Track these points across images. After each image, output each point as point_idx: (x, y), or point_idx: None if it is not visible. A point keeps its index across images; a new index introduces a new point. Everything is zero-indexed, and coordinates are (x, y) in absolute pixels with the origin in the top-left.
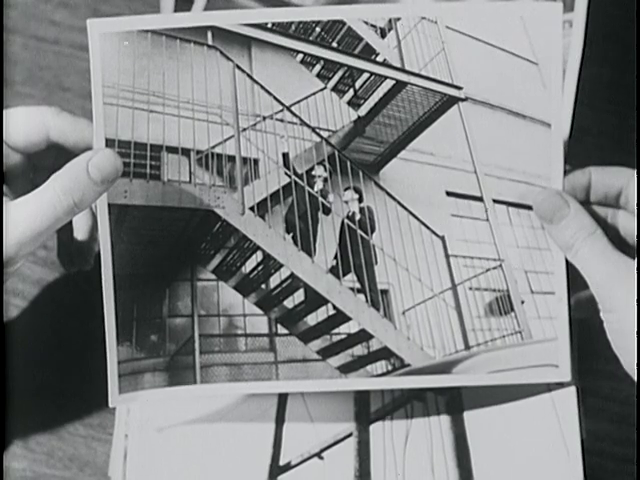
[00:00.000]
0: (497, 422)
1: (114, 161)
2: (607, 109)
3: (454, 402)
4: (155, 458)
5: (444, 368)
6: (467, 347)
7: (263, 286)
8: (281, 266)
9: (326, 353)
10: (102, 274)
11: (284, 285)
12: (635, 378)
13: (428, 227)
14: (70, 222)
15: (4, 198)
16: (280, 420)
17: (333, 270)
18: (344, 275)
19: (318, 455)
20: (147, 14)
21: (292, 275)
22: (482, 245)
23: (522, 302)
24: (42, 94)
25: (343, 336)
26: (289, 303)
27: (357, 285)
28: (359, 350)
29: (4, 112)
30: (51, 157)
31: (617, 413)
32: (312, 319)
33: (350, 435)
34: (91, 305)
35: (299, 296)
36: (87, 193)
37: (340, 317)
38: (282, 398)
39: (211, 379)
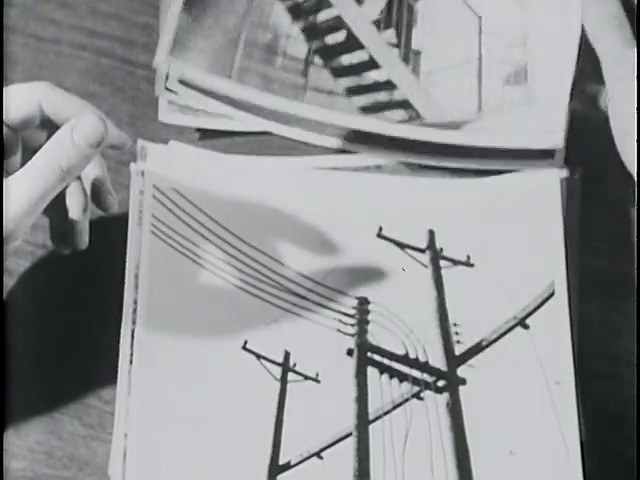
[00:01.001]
0: (496, 422)
1: (98, 125)
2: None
3: (453, 402)
4: (154, 457)
5: (456, 125)
6: (479, 109)
7: (311, 17)
8: (330, 5)
9: (352, 91)
10: None
11: (329, 22)
12: (635, 177)
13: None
14: (63, 203)
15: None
16: (279, 421)
17: (376, 22)
18: (385, 29)
19: (317, 455)
20: (146, 14)
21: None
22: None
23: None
24: None
25: (371, 82)
26: (330, 40)
27: (394, 40)
28: (382, 96)
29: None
30: (42, 137)
31: (617, 413)
32: (346, 60)
33: (349, 435)
34: (93, 300)
35: (341, 35)
36: (74, 159)
37: (372, 64)
38: (281, 398)
39: (245, 80)
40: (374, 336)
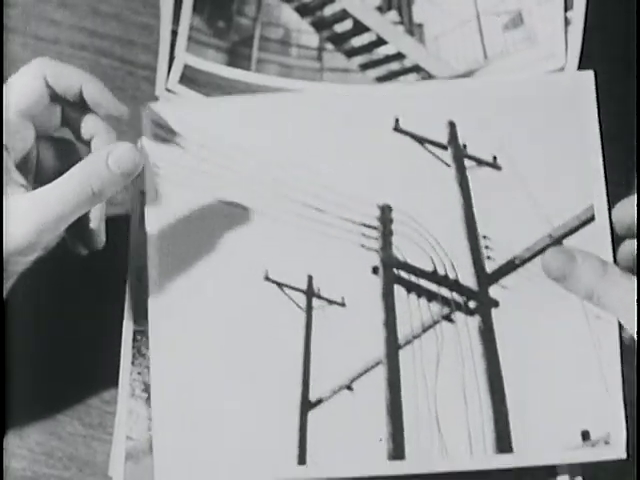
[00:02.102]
0: (530, 349)
1: (134, 156)
2: (607, 109)
3: (485, 325)
4: (180, 396)
5: (465, 74)
6: (485, 57)
7: (318, 12)
8: (333, 0)
9: (366, 66)
10: None
11: (336, 15)
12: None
13: None
14: None
15: (20, 188)
16: (307, 353)
17: (379, 8)
18: (387, 11)
19: (348, 387)
20: (146, 14)
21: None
22: None
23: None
24: None
25: (381, 56)
26: (339, 28)
27: (397, 19)
28: (394, 66)
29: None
30: (55, 117)
31: None
32: (357, 42)
33: (379, 363)
34: (93, 300)
35: (349, 24)
36: (107, 184)
37: (380, 41)
38: (308, 328)
39: (264, 70)
40: (400, 250)
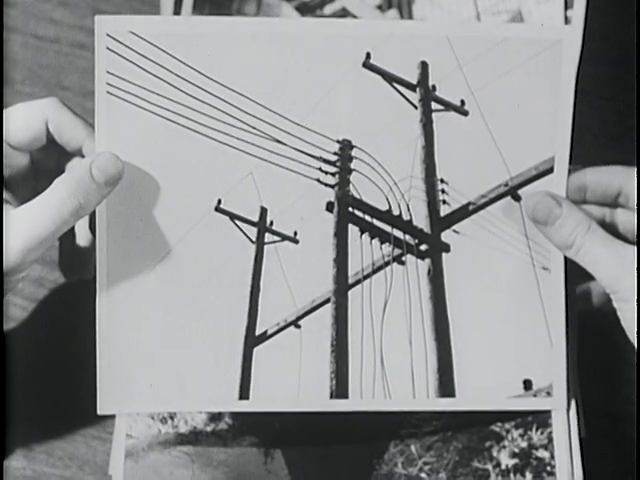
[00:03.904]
0: (478, 295)
1: (116, 163)
2: (607, 108)
3: (435, 270)
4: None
5: None
6: None
7: (318, 11)
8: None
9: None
10: None
11: (336, 14)
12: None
13: None
14: (72, 230)
15: (7, 206)
16: (256, 287)
17: (379, 7)
18: (387, 10)
19: (294, 323)
20: (146, 13)
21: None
22: None
23: None
24: (42, 93)
25: None
26: None
27: (398, 17)
28: None
29: (4, 111)
30: (52, 160)
31: (617, 413)
32: None
33: (328, 301)
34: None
35: None
36: (91, 195)
37: None
38: (258, 262)
39: None
40: (356, 189)
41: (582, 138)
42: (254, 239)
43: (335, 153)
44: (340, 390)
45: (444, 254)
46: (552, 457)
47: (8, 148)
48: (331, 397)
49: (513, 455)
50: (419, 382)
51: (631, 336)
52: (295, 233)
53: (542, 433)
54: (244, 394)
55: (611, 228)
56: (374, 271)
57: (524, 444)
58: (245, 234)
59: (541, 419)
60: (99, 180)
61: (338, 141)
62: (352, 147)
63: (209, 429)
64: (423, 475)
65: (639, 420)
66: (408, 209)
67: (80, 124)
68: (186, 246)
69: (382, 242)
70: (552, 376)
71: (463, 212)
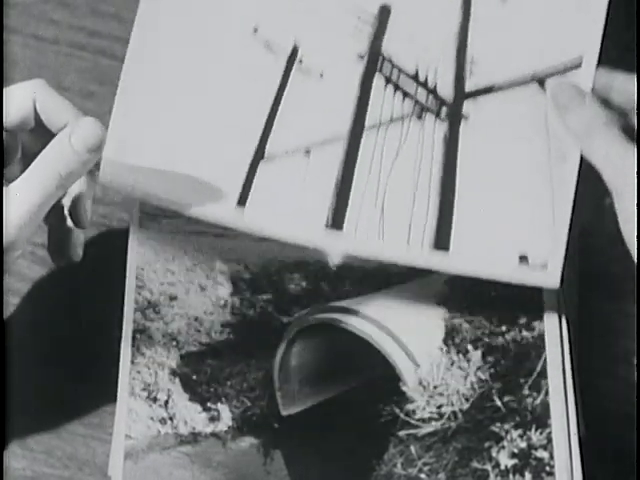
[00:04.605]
0: (489, 165)
1: (96, 130)
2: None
3: (451, 135)
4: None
5: None
6: None
7: None
8: None
9: None
10: None
11: None
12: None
13: None
14: (61, 213)
15: None
16: (274, 110)
17: None
18: None
19: (305, 150)
20: None
21: None
22: None
23: None
24: None
25: None
26: None
27: None
28: None
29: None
30: (40, 143)
31: (617, 413)
32: None
33: (341, 139)
34: (94, 299)
35: None
36: (73, 165)
37: None
38: (281, 88)
39: None
40: (388, 47)
41: None
42: (283, 68)
43: (374, 14)
44: (336, 222)
45: (462, 123)
46: (551, 457)
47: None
48: (326, 227)
49: (512, 455)
50: (416, 230)
51: (629, 241)
52: (322, 70)
53: (541, 433)
54: (241, 201)
55: (629, 133)
56: (392, 121)
57: (523, 444)
58: (275, 62)
59: (540, 419)
60: (79, 149)
61: (381, 5)
62: (390, 10)
63: (208, 430)
64: (422, 476)
65: (639, 420)
66: (435, 75)
67: (66, 105)
68: (217, 64)
69: (404, 97)
70: (550, 253)
71: (487, 89)
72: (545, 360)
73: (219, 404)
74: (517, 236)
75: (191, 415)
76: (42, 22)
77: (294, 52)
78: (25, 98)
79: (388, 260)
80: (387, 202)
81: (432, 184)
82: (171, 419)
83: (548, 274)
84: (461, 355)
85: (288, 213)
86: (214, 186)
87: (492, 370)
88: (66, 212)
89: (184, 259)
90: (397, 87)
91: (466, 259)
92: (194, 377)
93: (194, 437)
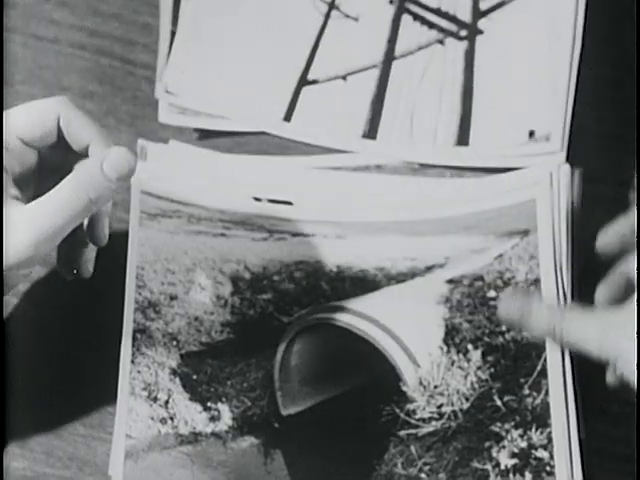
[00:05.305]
0: (500, 66)
1: (128, 159)
2: (607, 108)
3: (470, 49)
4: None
5: None
6: None
7: None
8: None
9: None
10: None
11: None
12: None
13: None
14: (75, 228)
15: (17, 202)
16: (316, 44)
17: None
18: None
19: (343, 77)
20: (146, 14)
21: None
22: None
23: None
24: (42, 93)
25: None
26: None
27: None
28: None
29: (11, 110)
30: (59, 159)
31: (617, 413)
32: None
33: (375, 67)
34: (94, 300)
35: None
36: (103, 190)
37: None
38: (322, 27)
39: None
40: None
41: (582, 138)
42: (324, 13)
43: None
44: (371, 132)
45: (478, 37)
46: (551, 457)
47: (20, 144)
48: (362, 137)
49: (512, 455)
50: (441, 131)
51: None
52: (358, 14)
53: (541, 433)
54: (287, 117)
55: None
56: (419, 49)
57: (523, 444)
58: (317, 8)
59: (541, 419)
60: (111, 176)
61: None
62: None
63: (209, 430)
64: (423, 475)
65: (639, 419)
66: (455, 7)
67: (90, 123)
68: (273, 8)
69: (430, 27)
70: (552, 125)
71: (499, 4)
72: (545, 360)
73: (219, 404)
74: (525, 117)
75: (191, 415)
76: (42, 22)
77: (333, 1)
78: (49, 113)
79: (417, 161)
80: (416, 110)
81: (454, 92)
82: (171, 419)
83: (551, 143)
84: (461, 355)
85: (328, 126)
86: (263, 104)
87: (492, 370)
88: (84, 229)
89: (184, 259)
90: (423, 20)
91: (483, 150)
92: (194, 377)
93: (194, 437)
